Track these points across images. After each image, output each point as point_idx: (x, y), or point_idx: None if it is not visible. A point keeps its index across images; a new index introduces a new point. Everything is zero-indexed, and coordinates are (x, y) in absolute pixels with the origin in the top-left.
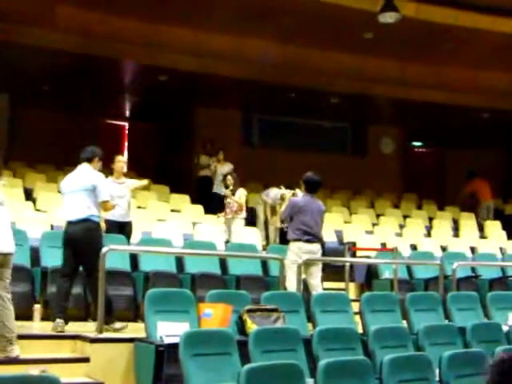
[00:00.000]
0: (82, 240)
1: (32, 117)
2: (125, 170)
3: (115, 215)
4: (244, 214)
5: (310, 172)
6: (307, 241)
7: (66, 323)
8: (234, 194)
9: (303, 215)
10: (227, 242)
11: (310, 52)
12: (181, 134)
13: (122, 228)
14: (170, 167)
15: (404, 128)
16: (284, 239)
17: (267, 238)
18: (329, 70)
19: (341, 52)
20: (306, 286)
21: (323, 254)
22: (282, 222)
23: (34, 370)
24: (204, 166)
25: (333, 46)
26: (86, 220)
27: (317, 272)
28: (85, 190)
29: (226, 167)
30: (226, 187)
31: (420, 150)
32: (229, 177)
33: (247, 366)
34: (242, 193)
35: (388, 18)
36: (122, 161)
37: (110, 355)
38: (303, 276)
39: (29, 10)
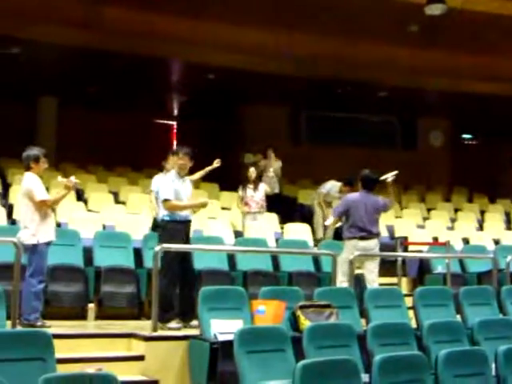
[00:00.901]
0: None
1: (81, 118)
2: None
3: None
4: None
5: (367, 170)
6: (362, 238)
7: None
8: (256, 188)
9: (357, 212)
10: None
11: (358, 46)
12: (229, 132)
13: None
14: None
15: (454, 120)
16: (338, 236)
17: (324, 233)
18: (377, 64)
19: (388, 45)
20: (357, 282)
21: None
22: (336, 221)
23: (91, 369)
24: (249, 163)
25: (380, 39)
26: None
27: (373, 267)
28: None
29: (276, 165)
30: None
31: (470, 142)
32: (252, 169)
33: (302, 362)
34: (264, 187)
35: (434, 9)
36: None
37: (165, 353)
38: (361, 271)
39: (76, 13)
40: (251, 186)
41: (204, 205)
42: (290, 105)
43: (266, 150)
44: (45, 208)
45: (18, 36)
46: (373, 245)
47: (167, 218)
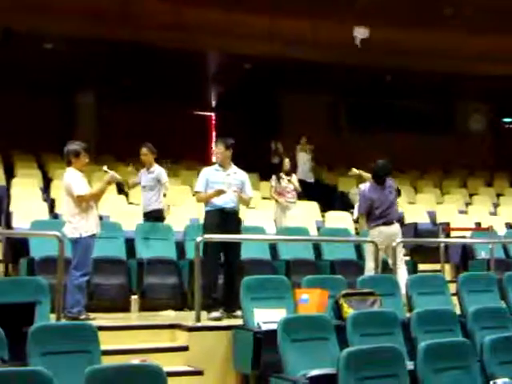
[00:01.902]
0: None
1: (119, 112)
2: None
3: None
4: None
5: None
6: (384, 223)
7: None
8: (289, 179)
9: (376, 202)
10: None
11: (396, 32)
12: (268, 122)
13: None
14: (258, 155)
15: (494, 104)
16: None
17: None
18: (416, 50)
19: (425, 30)
20: (384, 268)
21: (416, 236)
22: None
23: (135, 360)
24: (279, 153)
25: (416, 24)
26: None
27: (399, 252)
28: None
29: (310, 154)
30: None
31: (511, 126)
32: (286, 160)
33: (347, 350)
34: (297, 178)
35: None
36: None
37: (209, 343)
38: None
39: (112, 7)
40: (285, 177)
41: (220, 192)
42: (329, 93)
43: (300, 138)
44: (84, 202)
45: (51, 32)
46: (396, 230)
47: (206, 209)
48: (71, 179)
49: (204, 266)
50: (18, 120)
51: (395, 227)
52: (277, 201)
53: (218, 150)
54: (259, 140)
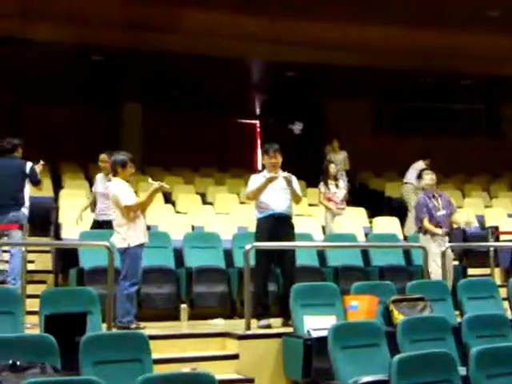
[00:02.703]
0: None
1: (164, 121)
2: None
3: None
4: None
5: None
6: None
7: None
8: (337, 184)
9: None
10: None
11: (439, 35)
12: (312, 128)
13: None
14: (304, 161)
15: None
16: None
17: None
18: (459, 53)
19: (470, 33)
20: None
21: (465, 240)
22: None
23: (186, 368)
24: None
25: (462, 27)
26: None
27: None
28: None
29: (341, 156)
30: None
31: None
32: (332, 165)
33: (398, 356)
34: (345, 183)
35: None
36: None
37: (259, 351)
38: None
39: (157, 18)
40: (333, 182)
41: (272, 179)
42: (372, 97)
43: (332, 140)
44: (132, 212)
45: (98, 44)
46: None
47: (258, 216)
48: (118, 189)
49: (254, 273)
50: (65, 132)
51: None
52: (326, 207)
53: (275, 160)
54: (305, 146)
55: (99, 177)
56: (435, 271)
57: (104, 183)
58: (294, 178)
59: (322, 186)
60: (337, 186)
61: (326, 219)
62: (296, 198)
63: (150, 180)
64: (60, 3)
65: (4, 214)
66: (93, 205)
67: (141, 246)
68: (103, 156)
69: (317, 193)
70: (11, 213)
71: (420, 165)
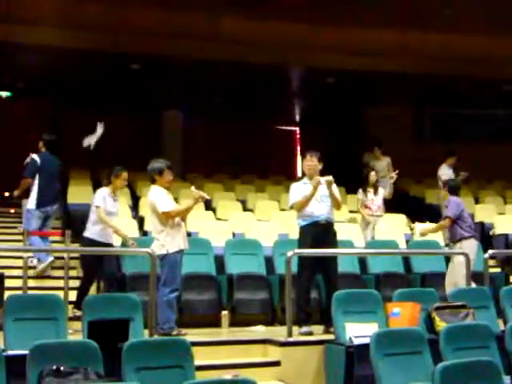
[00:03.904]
0: None
1: (204, 129)
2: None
3: None
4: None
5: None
6: (474, 236)
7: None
8: (376, 192)
9: (465, 212)
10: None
11: (477, 40)
12: (352, 134)
13: None
14: (344, 168)
15: None
16: None
17: None
18: (498, 57)
19: (505, 37)
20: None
21: (507, 247)
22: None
23: (227, 375)
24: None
25: (499, 31)
26: None
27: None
28: None
29: (384, 162)
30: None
31: None
32: (373, 173)
33: (442, 364)
34: (383, 191)
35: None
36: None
37: (301, 358)
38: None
39: (195, 25)
40: (371, 190)
41: (318, 183)
42: (413, 104)
43: (373, 148)
44: (170, 219)
45: (137, 52)
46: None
47: (300, 224)
48: (155, 197)
49: (297, 280)
50: (105, 139)
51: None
52: (362, 214)
53: (310, 162)
54: (344, 153)
55: (106, 193)
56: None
57: (112, 201)
58: (333, 185)
59: (360, 193)
60: (375, 192)
61: (361, 226)
62: (336, 204)
63: (192, 188)
64: (99, 13)
65: None
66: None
67: (180, 252)
68: (126, 174)
69: (356, 199)
70: None
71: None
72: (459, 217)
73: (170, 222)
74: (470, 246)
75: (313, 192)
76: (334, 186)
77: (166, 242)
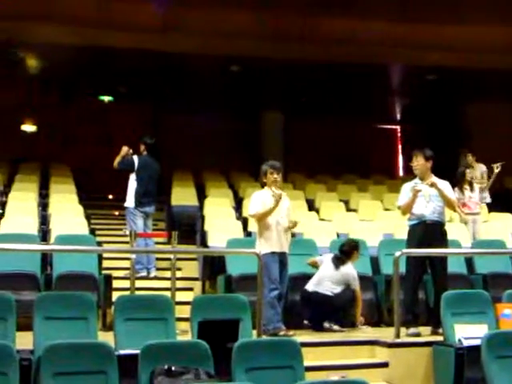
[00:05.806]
0: None
1: (305, 129)
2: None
3: None
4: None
5: None
6: None
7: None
8: (472, 189)
9: None
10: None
11: None
12: (454, 133)
13: None
14: (445, 167)
15: None
16: None
17: None
18: None
19: None
20: None
21: None
22: None
23: (334, 376)
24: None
25: None
26: None
27: None
28: None
29: (478, 172)
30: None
31: None
32: (468, 170)
33: None
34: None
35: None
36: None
37: (409, 360)
38: None
39: (293, 26)
40: (468, 187)
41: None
42: None
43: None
44: (261, 221)
45: (238, 55)
46: None
47: (409, 223)
48: (252, 200)
49: (405, 281)
50: (207, 141)
51: None
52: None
53: (416, 162)
54: (446, 152)
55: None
56: None
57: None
58: (446, 184)
59: (456, 191)
60: (472, 190)
61: (464, 225)
62: (448, 204)
63: (273, 188)
64: (198, 18)
65: None
66: None
67: (273, 254)
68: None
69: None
70: None
71: None
72: None
73: (262, 224)
74: None
75: (412, 198)
76: (448, 188)
77: (259, 243)
